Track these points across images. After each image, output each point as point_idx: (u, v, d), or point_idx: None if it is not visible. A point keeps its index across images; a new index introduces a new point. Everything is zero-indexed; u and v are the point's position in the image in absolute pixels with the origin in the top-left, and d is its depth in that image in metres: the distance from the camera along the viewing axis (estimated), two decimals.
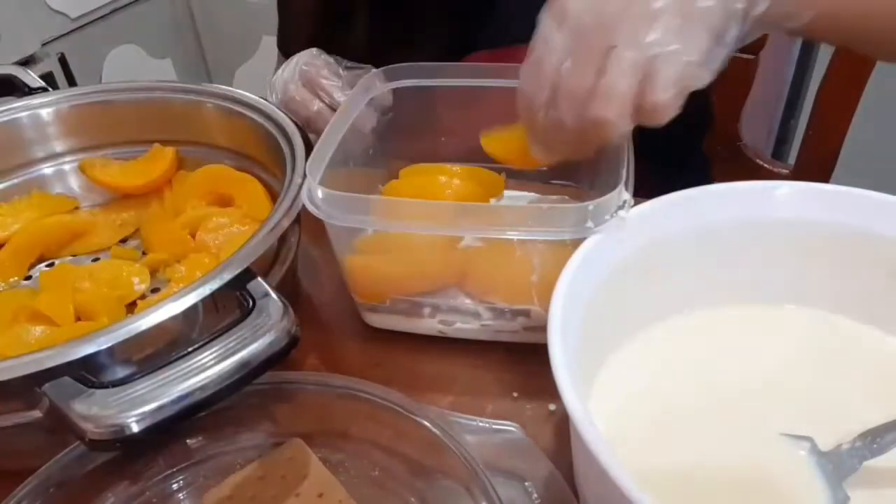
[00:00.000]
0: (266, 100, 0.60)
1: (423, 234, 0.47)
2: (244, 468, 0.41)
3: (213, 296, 0.41)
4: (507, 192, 0.57)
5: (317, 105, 0.62)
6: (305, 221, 0.52)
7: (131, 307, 0.54)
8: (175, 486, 0.42)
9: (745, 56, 0.89)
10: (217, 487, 0.40)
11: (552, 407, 0.46)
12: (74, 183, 0.65)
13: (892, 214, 0.42)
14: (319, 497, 0.39)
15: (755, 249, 0.44)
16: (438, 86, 0.57)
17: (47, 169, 0.65)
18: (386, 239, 0.50)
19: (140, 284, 0.55)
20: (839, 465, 0.36)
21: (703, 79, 0.40)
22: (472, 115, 0.55)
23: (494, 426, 0.41)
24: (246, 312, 0.39)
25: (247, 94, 0.61)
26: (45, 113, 0.63)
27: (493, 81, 0.56)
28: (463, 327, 0.50)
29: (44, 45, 1.36)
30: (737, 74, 0.93)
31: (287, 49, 0.75)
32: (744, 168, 0.95)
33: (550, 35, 0.42)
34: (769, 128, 1.56)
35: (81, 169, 0.64)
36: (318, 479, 0.40)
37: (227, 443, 0.42)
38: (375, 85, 0.58)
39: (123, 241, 0.61)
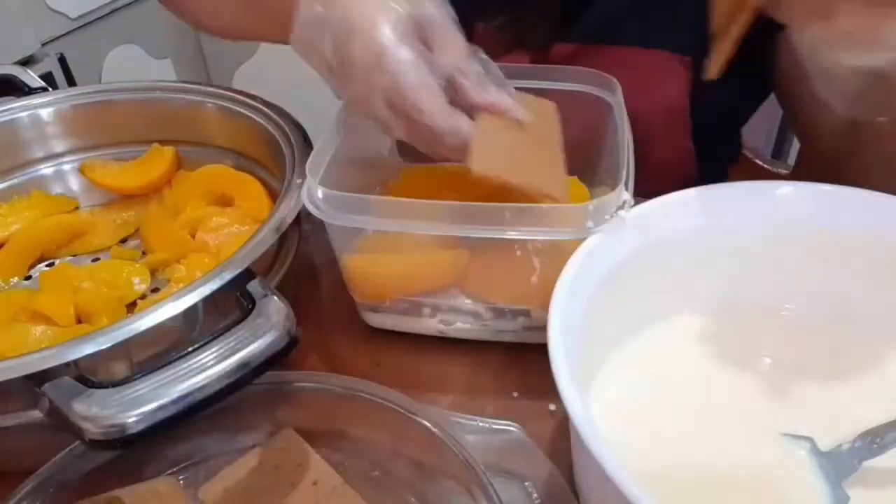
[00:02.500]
0: (264, 99, 0.60)
1: (423, 234, 0.47)
2: (237, 461, 0.41)
3: (213, 296, 0.41)
4: None
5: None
6: (305, 221, 0.52)
7: (131, 307, 0.54)
8: None
9: None
10: (211, 481, 0.41)
11: (552, 407, 0.46)
12: (74, 183, 0.65)
13: (893, 214, 0.42)
14: (314, 485, 0.39)
15: (755, 249, 0.44)
16: None
17: (47, 169, 0.65)
18: (386, 239, 0.50)
19: (140, 284, 0.55)
20: (839, 465, 0.36)
21: None
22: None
23: (494, 426, 0.41)
24: (246, 312, 0.39)
25: (247, 94, 0.61)
26: (45, 113, 0.63)
27: None
28: (463, 327, 0.50)
29: (44, 45, 1.35)
30: None
31: None
32: (744, 168, 0.95)
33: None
34: (769, 128, 1.56)
35: (81, 171, 0.64)
36: (312, 468, 0.40)
37: (227, 443, 0.42)
38: None
39: (123, 241, 0.61)
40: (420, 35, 0.43)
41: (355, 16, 0.42)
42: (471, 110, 0.45)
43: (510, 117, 0.45)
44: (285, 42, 0.48)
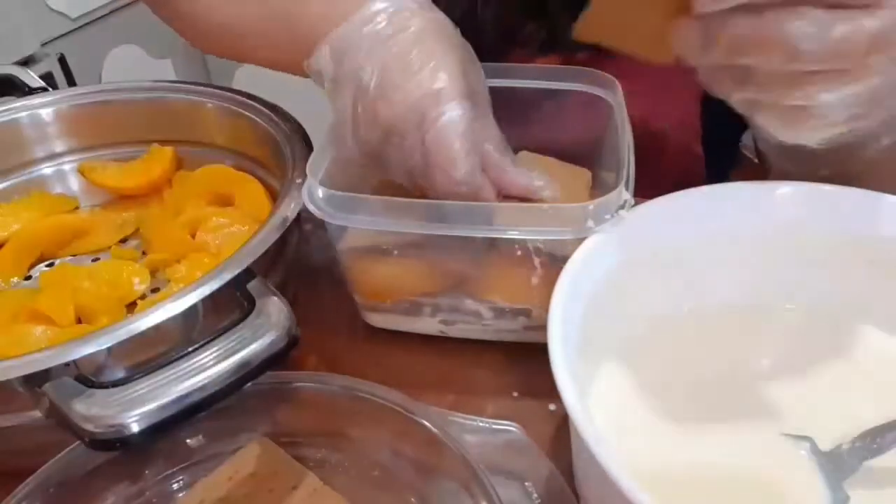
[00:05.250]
0: (264, 99, 0.60)
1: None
2: (212, 473, 0.41)
3: (213, 296, 0.41)
4: None
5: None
6: (305, 221, 0.52)
7: (131, 307, 0.54)
8: (175, 486, 0.42)
9: None
10: (187, 494, 0.41)
11: (552, 407, 0.46)
12: (74, 183, 0.65)
13: (893, 214, 0.42)
14: (294, 489, 0.39)
15: (755, 250, 0.44)
16: None
17: (47, 169, 0.65)
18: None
19: (140, 284, 0.55)
20: (839, 465, 0.36)
21: None
22: None
23: (494, 426, 0.41)
24: (246, 312, 0.39)
25: (247, 94, 0.61)
26: (45, 113, 0.63)
27: (496, 81, 0.55)
28: (464, 327, 0.50)
29: (43, 45, 1.35)
30: None
31: None
32: (744, 168, 0.95)
33: None
34: None
35: (80, 172, 0.64)
36: (289, 473, 0.40)
37: (227, 443, 0.42)
38: None
39: (123, 241, 0.61)
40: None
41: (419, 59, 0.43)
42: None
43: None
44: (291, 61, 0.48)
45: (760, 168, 0.90)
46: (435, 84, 0.42)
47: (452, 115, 0.42)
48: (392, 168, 0.46)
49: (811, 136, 0.36)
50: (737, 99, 0.35)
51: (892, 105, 0.35)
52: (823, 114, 0.34)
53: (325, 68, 0.46)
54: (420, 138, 0.43)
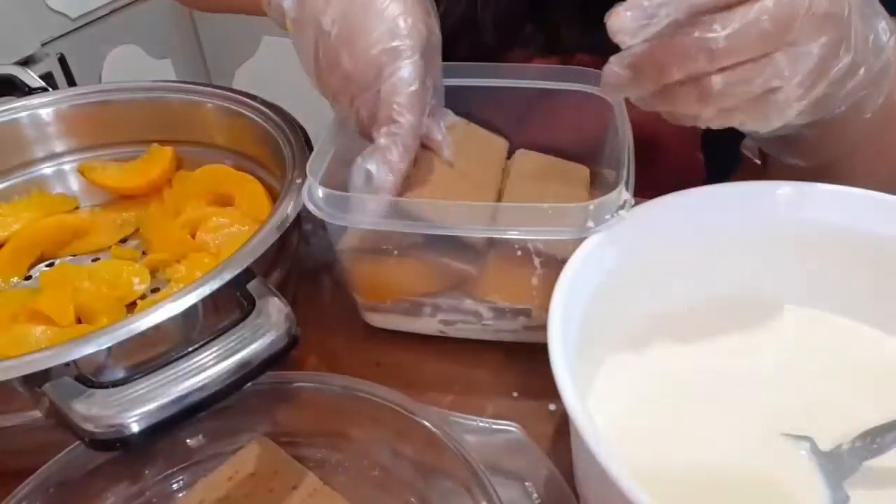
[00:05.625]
0: (264, 99, 0.60)
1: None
2: (212, 473, 0.41)
3: (213, 296, 0.41)
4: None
5: None
6: (305, 221, 0.52)
7: (131, 307, 0.54)
8: (175, 486, 0.42)
9: None
10: (187, 494, 0.41)
11: (552, 407, 0.46)
12: (74, 183, 0.65)
13: (892, 214, 0.42)
14: (294, 489, 0.39)
15: (755, 249, 0.44)
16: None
17: (47, 169, 0.65)
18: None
19: (140, 284, 0.55)
20: (839, 465, 0.36)
21: None
22: (476, 113, 0.55)
23: (494, 426, 0.41)
24: (246, 312, 0.39)
25: (247, 93, 0.61)
26: (45, 113, 0.63)
27: (496, 81, 0.55)
28: (464, 327, 0.50)
29: (44, 45, 1.36)
30: None
31: None
32: (744, 168, 0.94)
33: None
34: None
35: (81, 172, 0.64)
36: (289, 473, 0.40)
37: (227, 443, 0.42)
38: None
39: (123, 241, 0.61)
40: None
41: (378, 7, 0.44)
42: None
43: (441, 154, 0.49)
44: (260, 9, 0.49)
45: (760, 168, 0.90)
46: (393, 41, 0.44)
47: (405, 73, 0.44)
48: (344, 109, 0.47)
49: (780, 116, 0.38)
50: (706, 116, 0.38)
51: (836, 70, 0.38)
52: (781, 96, 0.36)
53: (287, 7, 0.47)
54: (374, 93, 0.44)
